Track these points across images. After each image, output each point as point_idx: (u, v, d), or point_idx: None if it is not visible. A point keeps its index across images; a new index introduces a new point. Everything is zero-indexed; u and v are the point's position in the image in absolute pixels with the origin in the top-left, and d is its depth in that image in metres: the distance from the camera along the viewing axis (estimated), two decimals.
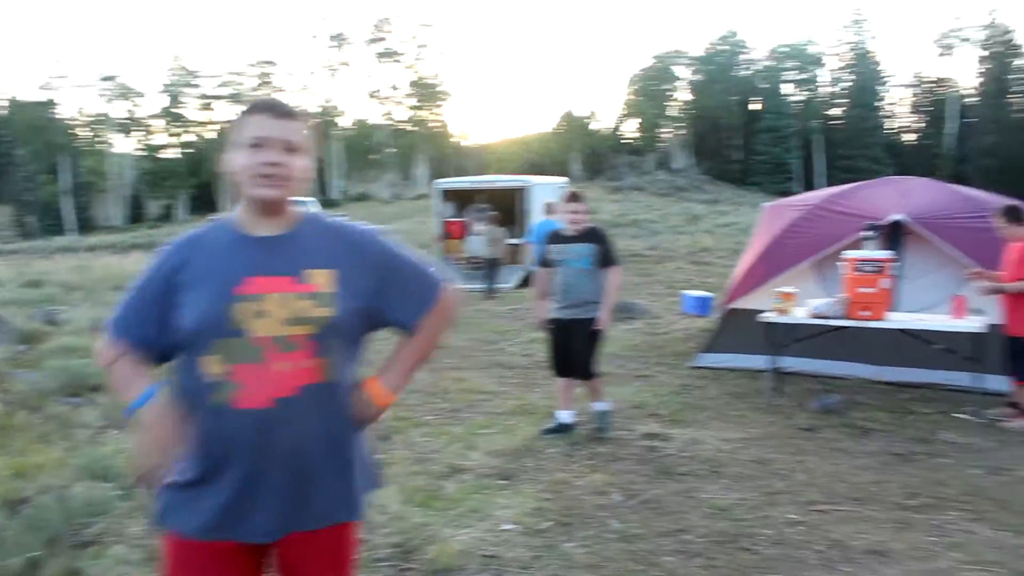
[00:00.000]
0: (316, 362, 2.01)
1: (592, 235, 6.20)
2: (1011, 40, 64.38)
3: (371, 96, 71.31)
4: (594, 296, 6.08)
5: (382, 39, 69.85)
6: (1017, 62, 63.99)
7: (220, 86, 68.58)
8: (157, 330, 2.05)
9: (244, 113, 2.07)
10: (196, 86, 68.13)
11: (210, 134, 66.60)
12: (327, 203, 51.33)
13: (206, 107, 68.91)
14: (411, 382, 2.22)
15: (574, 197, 6.31)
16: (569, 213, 6.22)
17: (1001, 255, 6.64)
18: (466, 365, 9.05)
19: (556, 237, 6.30)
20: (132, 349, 2.09)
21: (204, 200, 63.70)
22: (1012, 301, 6.52)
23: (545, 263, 6.34)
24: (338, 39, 69.74)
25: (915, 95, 70.70)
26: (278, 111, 2.03)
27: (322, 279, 2.05)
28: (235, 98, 65.56)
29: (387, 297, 2.15)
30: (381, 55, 70.04)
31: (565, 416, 6.33)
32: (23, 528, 4.23)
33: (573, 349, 6.16)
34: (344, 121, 71.48)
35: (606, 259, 6.15)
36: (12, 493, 4.74)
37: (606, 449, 5.97)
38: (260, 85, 65.93)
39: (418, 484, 5.20)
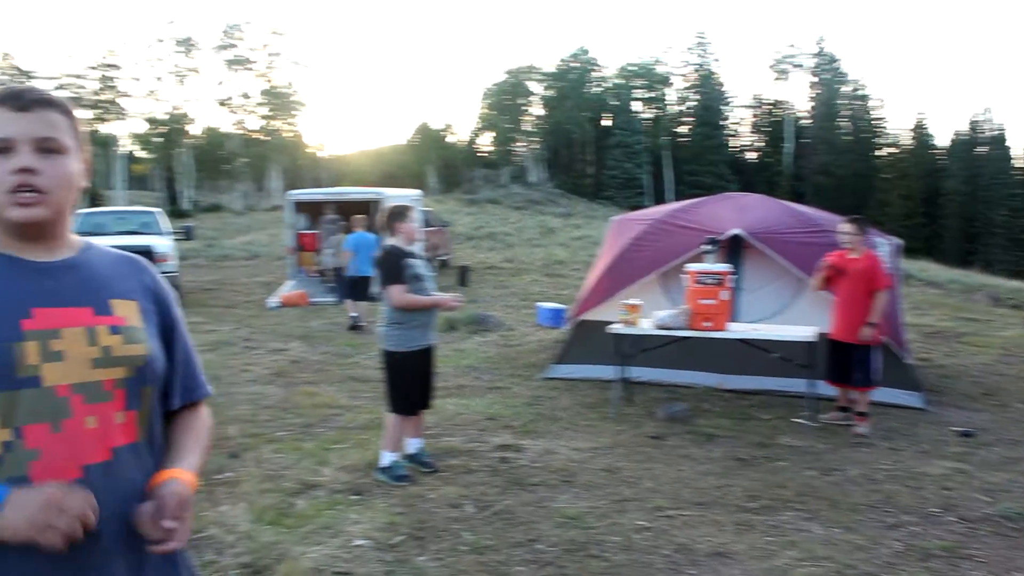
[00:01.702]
0: (128, 415, 1.57)
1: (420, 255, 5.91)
2: (838, 68, 68.88)
3: (222, 104, 69.35)
4: None
5: (232, 46, 68.09)
6: (844, 88, 68.36)
7: (57, 89, 65.31)
8: None
9: None
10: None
11: None
12: (177, 213, 49.54)
13: None
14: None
15: (406, 206, 5.84)
16: (415, 224, 5.78)
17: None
18: (319, 379, 8.91)
19: (405, 252, 5.64)
20: None
21: None
22: (854, 310, 6.89)
23: (402, 280, 5.50)
24: (186, 44, 67.53)
25: (755, 115, 74.27)
26: (24, 101, 1.51)
27: (128, 311, 1.62)
28: (75, 102, 62.54)
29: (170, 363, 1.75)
30: (231, 62, 68.25)
31: (417, 444, 5.97)
32: None
33: (431, 375, 5.84)
34: (194, 129, 69.24)
35: None
36: None
37: (459, 461, 5.99)
38: (102, 89, 63.13)
39: (268, 501, 5.08)
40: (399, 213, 5.73)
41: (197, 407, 1.83)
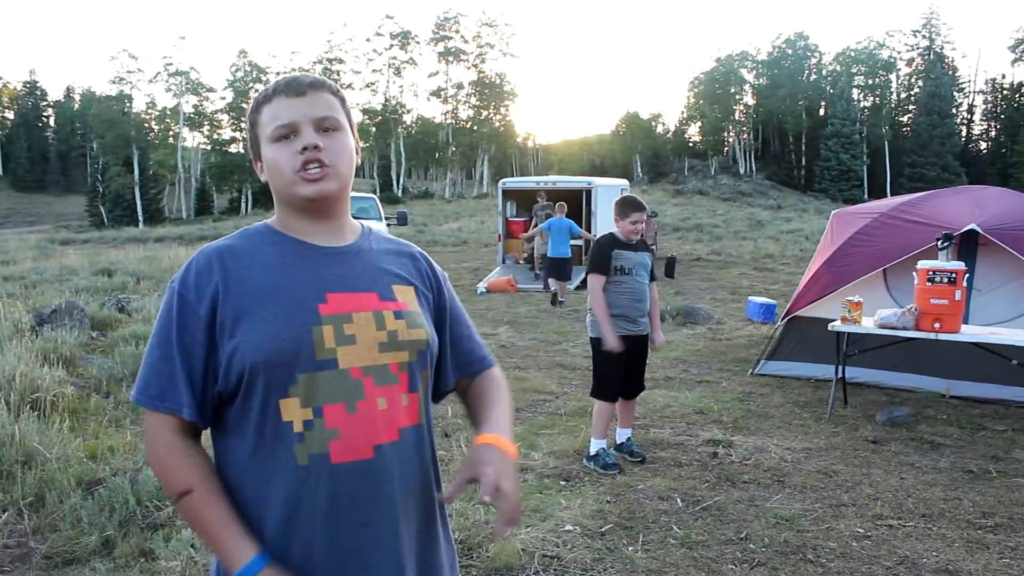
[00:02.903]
0: (411, 398, 1.62)
1: (646, 245, 5.89)
2: None
3: (434, 95, 71.84)
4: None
5: (447, 38, 70.33)
6: None
7: None
8: (203, 389, 1.55)
9: (258, 106, 1.64)
10: (263, 81, 69.34)
11: None
12: (390, 200, 51.85)
13: None
14: None
15: (639, 205, 5.72)
16: (632, 224, 5.66)
17: None
18: (528, 365, 9.06)
19: (618, 243, 5.68)
20: (185, 423, 1.55)
21: (269, 194, 65.08)
22: None
23: (603, 270, 5.62)
24: (402, 37, 70.35)
25: (987, 102, 69.01)
26: (299, 86, 1.60)
27: (408, 296, 1.69)
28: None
29: (451, 339, 1.80)
30: (444, 54, 70.52)
31: (626, 434, 5.98)
32: (97, 508, 4.35)
33: (635, 365, 5.81)
34: (408, 119, 72.12)
35: (652, 273, 5.87)
36: (87, 474, 4.89)
37: (667, 454, 5.93)
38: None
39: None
40: (621, 206, 5.73)
41: (487, 374, 1.87)
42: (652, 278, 5.84)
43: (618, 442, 5.89)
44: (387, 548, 1.56)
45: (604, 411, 5.68)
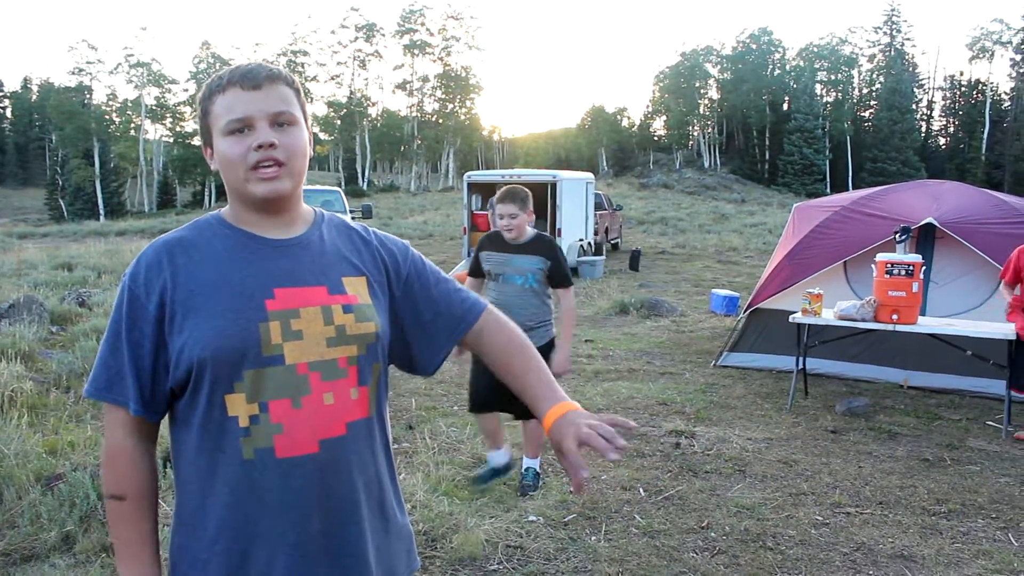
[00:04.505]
0: (360, 391, 1.60)
1: (548, 246, 4.87)
2: None
3: (400, 88, 71.56)
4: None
5: (413, 31, 70.05)
6: None
7: None
8: (152, 384, 1.55)
9: (211, 94, 1.58)
10: None
11: None
12: (355, 193, 51.59)
13: None
14: None
15: (509, 196, 4.74)
16: (502, 218, 4.75)
17: None
18: None
19: (493, 244, 4.88)
20: (137, 421, 1.56)
21: None
22: None
23: (472, 271, 5.01)
24: (367, 30, 69.98)
25: (946, 98, 70.08)
26: (256, 79, 1.55)
27: (359, 287, 1.65)
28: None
29: (416, 320, 1.75)
30: (410, 47, 70.24)
31: (501, 457, 5.04)
32: (57, 504, 4.31)
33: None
34: (373, 112, 71.75)
35: (562, 278, 4.85)
36: (46, 470, 4.83)
37: (631, 445, 5.98)
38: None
39: (444, 473, 5.23)
40: (497, 199, 4.82)
41: (489, 328, 1.79)
42: (562, 283, 4.84)
43: (523, 468, 5.19)
44: (344, 539, 1.56)
45: (478, 423, 5.16)
